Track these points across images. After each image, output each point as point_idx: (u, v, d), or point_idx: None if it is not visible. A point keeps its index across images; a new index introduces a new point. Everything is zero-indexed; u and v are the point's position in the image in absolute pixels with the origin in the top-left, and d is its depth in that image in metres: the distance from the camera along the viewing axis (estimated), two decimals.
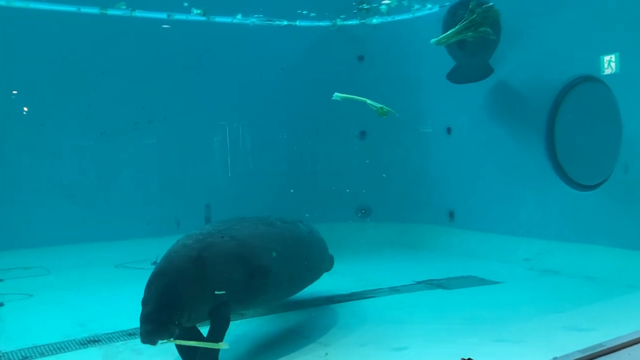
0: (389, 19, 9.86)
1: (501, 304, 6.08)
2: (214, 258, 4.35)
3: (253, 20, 9.76)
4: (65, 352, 4.99)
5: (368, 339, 5.06)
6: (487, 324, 5.35)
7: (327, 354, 4.68)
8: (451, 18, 7.45)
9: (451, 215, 9.21)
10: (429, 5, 9.09)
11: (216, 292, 4.26)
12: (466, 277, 7.21)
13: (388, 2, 9.40)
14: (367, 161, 10.23)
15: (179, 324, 4.03)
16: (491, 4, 7.15)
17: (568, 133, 7.69)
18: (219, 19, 9.82)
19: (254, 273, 4.57)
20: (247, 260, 4.56)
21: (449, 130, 9.24)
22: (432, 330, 5.25)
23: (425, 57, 9.19)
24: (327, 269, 6.30)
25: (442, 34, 7.38)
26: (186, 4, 9.31)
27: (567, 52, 7.43)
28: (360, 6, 9.20)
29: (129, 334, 5.31)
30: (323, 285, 6.17)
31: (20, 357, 4.90)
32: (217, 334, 4.30)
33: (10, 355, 4.96)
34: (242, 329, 5.41)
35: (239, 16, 9.61)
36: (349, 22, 10.17)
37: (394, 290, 6.72)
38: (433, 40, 7.23)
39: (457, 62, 8.04)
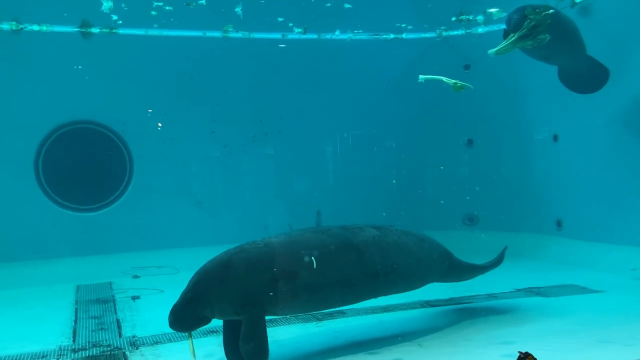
0: (495, 27, 9.91)
1: (602, 310, 6.07)
2: (239, 262, 4.67)
3: (351, 35, 10.25)
4: (179, 342, 5.73)
5: (460, 339, 5.34)
6: (589, 328, 5.43)
7: (420, 345, 5.07)
8: (508, 25, 7.05)
9: (559, 224, 9.09)
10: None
11: (239, 293, 4.61)
12: (567, 286, 7.19)
13: (494, 10, 9.45)
14: (473, 169, 10.35)
15: (201, 319, 4.63)
16: (551, 11, 6.74)
17: None
18: (328, 36, 10.43)
19: (279, 277, 4.67)
20: (273, 265, 4.69)
21: (555, 138, 9.14)
22: (529, 332, 5.41)
23: (532, 64, 9.14)
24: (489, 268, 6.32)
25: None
26: (291, 24, 9.99)
27: None
28: (460, 17, 9.35)
29: None
30: (422, 290, 6.44)
31: (152, 342, 5.71)
32: (246, 332, 4.60)
33: (145, 340, 5.81)
34: (340, 326, 5.92)
35: (337, 32, 10.17)
36: (454, 33, 10.37)
37: (491, 296, 6.87)
38: (491, 51, 6.85)
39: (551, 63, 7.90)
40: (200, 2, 9.22)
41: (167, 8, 9.18)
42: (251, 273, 4.66)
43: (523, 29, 6.54)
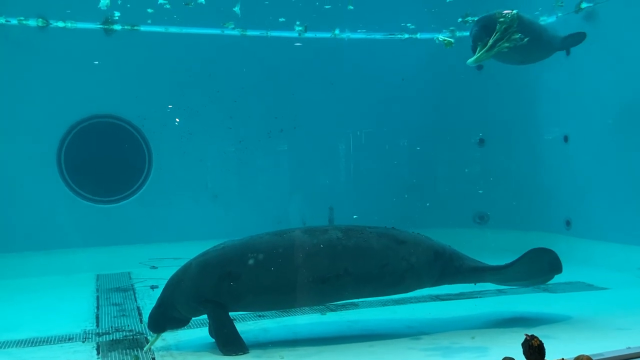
0: None
1: (607, 305, 6.33)
2: (194, 266, 5.25)
3: (350, 34, 10.43)
4: (203, 327, 5.97)
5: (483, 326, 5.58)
6: (596, 318, 5.77)
7: (473, 337, 5.31)
8: (472, 37, 7.20)
9: (568, 223, 9.25)
10: (542, 18, 9.24)
11: (192, 294, 5.18)
12: (574, 283, 7.39)
13: (507, 12, 9.60)
14: (484, 168, 10.52)
15: (173, 319, 5.27)
16: (515, 11, 6.86)
17: None
18: (344, 35, 10.64)
19: (224, 279, 5.13)
20: (219, 267, 5.17)
21: (565, 139, 9.30)
22: (544, 322, 5.68)
23: (543, 65, 9.31)
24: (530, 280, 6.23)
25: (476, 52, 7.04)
26: (298, 22, 10.17)
27: None
28: (466, 19, 9.50)
29: (259, 315, 6.23)
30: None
31: None
32: (213, 325, 5.25)
33: None
34: (353, 317, 6.17)
35: (338, 30, 10.33)
36: (467, 33, 10.51)
37: (500, 292, 7.07)
38: (469, 61, 6.94)
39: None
40: (199, 1, 9.31)
41: (167, 6, 9.33)
42: (201, 276, 5.20)
43: (496, 32, 6.72)
